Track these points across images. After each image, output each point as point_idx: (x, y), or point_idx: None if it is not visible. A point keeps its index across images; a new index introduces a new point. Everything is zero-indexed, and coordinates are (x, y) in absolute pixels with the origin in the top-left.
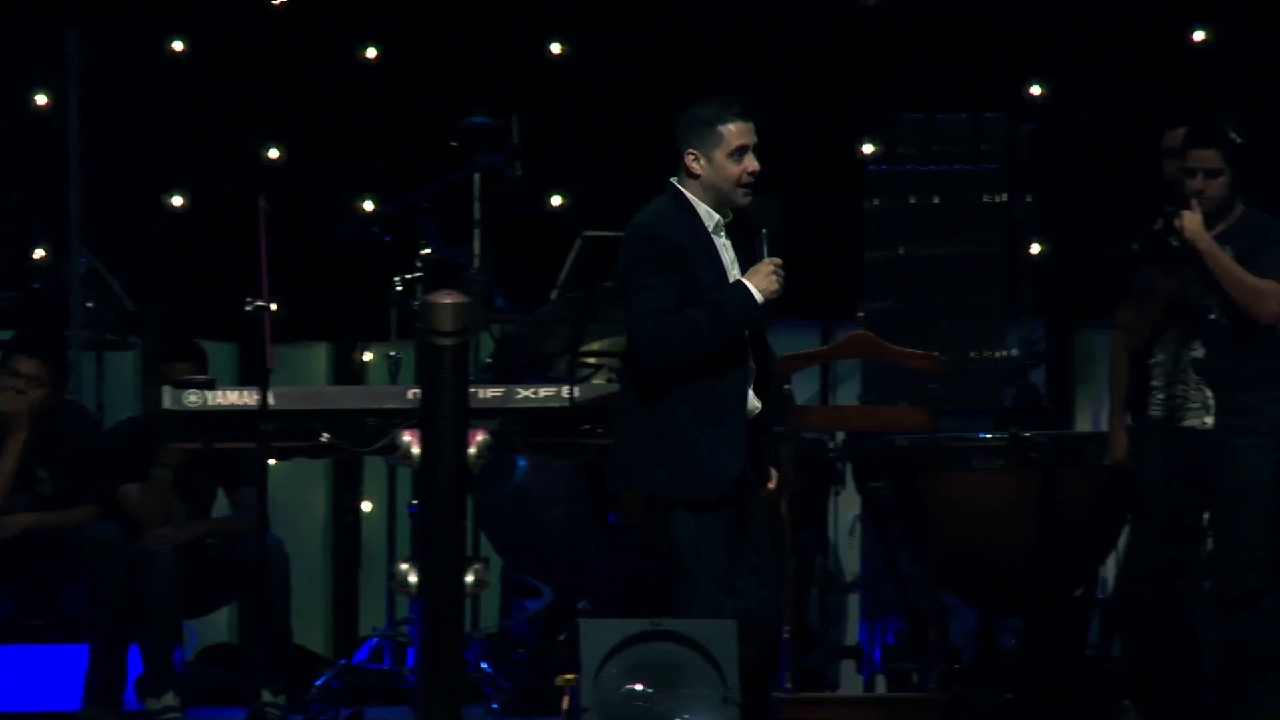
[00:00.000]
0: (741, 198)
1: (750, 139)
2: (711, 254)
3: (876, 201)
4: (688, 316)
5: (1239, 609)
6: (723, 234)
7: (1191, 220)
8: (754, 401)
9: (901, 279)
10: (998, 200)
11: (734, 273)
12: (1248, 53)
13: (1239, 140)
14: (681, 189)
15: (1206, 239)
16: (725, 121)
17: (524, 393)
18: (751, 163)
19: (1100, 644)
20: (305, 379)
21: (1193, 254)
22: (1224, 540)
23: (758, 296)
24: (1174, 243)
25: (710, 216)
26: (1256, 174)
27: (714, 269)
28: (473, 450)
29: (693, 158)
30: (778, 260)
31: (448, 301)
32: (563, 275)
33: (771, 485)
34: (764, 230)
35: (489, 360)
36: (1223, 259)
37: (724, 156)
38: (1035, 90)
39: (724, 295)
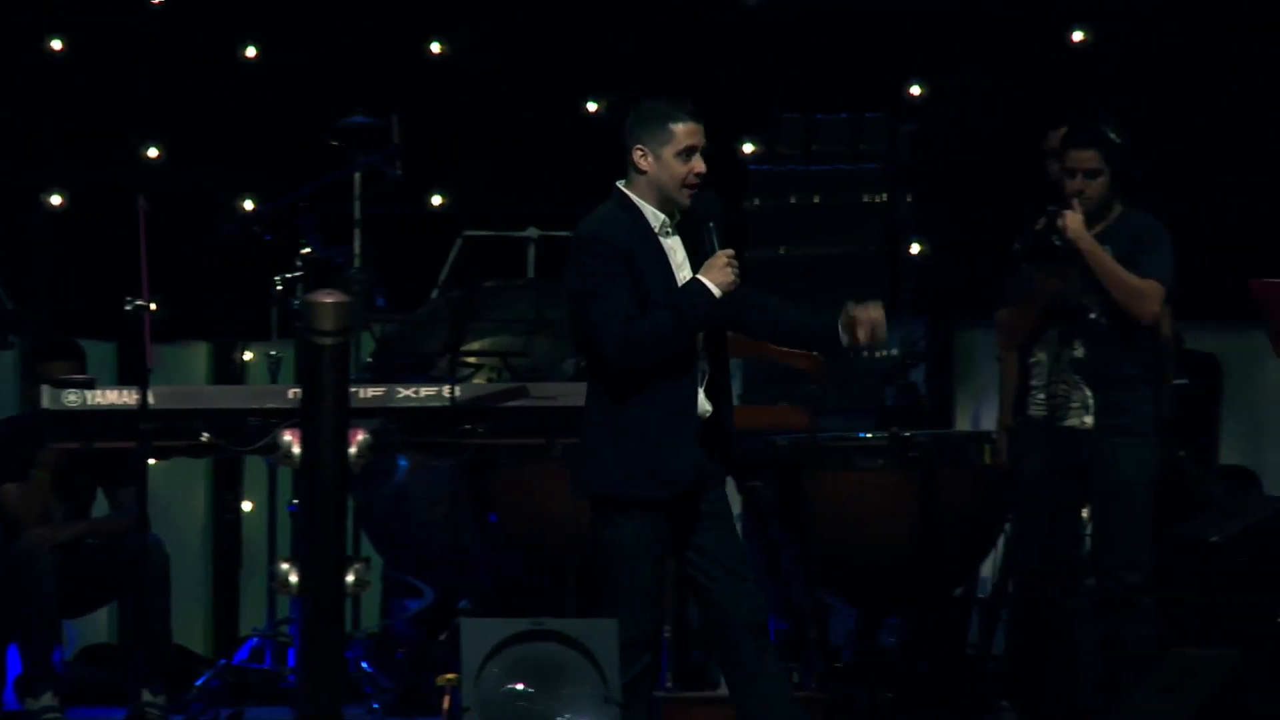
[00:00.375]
0: (685, 199)
1: (700, 140)
2: (659, 256)
3: (757, 201)
4: (653, 317)
5: (1119, 608)
6: (670, 234)
7: (1073, 220)
8: (704, 404)
9: (782, 278)
10: (878, 200)
11: (684, 273)
12: (1127, 53)
13: (1117, 140)
14: (627, 191)
15: (1088, 239)
16: (677, 120)
17: (404, 392)
18: (699, 164)
19: (980, 643)
20: (185, 378)
21: (1074, 254)
22: (1104, 540)
23: (715, 291)
24: (1056, 242)
25: (656, 217)
26: (1135, 174)
27: (662, 271)
28: (353, 449)
29: (640, 154)
30: (730, 251)
31: (328, 301)
32: (443, 275)
33: None
34: (710, 224)
35: (369, 360)
36: (1104, 259)
37: (672, 155)
38: (915, 90)
39: (681, 294)
